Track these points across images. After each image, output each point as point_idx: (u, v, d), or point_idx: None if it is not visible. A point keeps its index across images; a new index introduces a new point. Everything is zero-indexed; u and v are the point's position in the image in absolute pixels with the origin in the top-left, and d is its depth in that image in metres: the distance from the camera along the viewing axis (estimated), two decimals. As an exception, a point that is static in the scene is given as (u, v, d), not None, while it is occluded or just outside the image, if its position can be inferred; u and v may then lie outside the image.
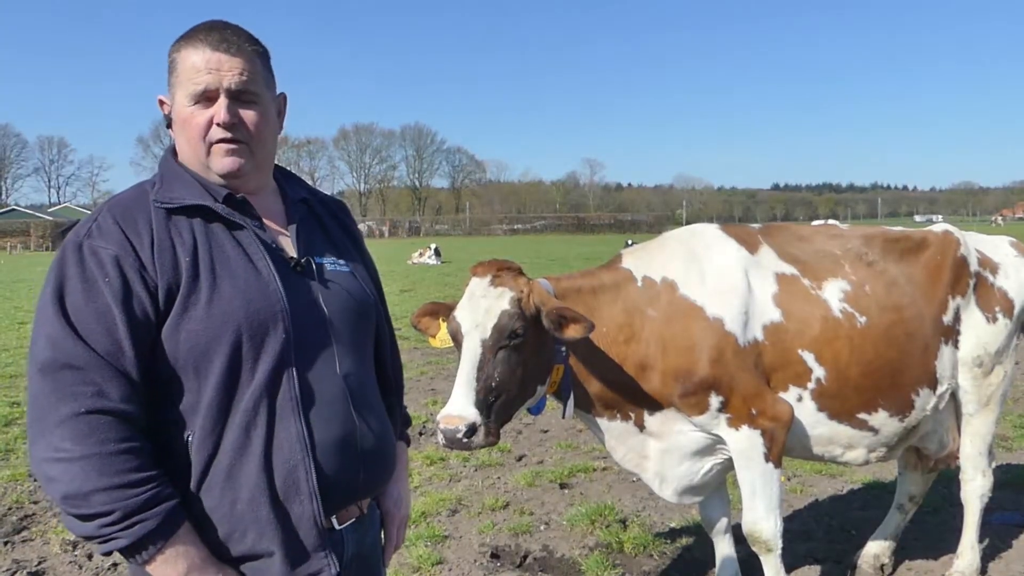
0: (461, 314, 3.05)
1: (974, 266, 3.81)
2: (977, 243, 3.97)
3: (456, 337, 3.05)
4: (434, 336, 3.23)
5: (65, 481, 1.52)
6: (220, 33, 1.75)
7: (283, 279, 1.74)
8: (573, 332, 2.99)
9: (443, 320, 3.17)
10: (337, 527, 1.81)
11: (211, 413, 1.65)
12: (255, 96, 1.78)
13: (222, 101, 1.73)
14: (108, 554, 1.60)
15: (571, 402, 3.26)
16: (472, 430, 2.81)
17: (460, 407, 2.83)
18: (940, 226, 3.99)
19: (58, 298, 1.60)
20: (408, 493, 2.18)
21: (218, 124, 1.73)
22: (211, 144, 1.76)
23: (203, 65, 1.72)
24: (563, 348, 3.22)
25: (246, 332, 1.66)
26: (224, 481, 1.65)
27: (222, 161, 1.77)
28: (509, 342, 2.97)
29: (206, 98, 1.73)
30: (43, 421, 1.55)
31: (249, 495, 1.66)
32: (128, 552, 1.57)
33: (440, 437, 2.83)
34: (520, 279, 3.13)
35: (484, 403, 2.91)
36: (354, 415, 1.80)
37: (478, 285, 3.10)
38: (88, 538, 1.60)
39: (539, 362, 3.13)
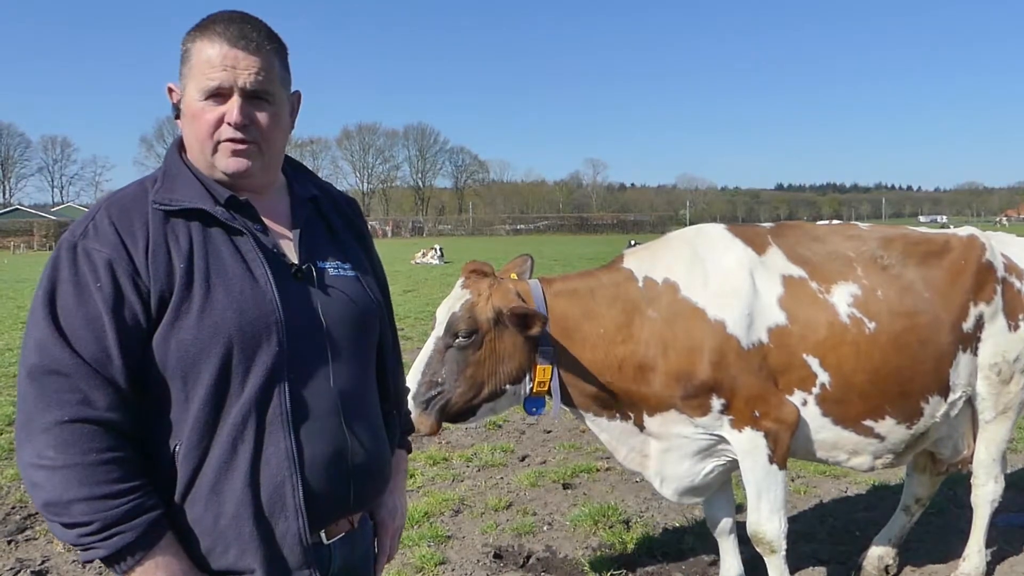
0: (438, 310, 3.33)
1: (1000, 272, 3.68)
2: (1005, 247, 3.84)
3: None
4: None
5: (47, 489, 1.51)
6: (239, 28, 1.68)
7: (280, 288, 1.68)
8: (532, 329, 3.16)
9: None
10: (326, 541, 1.77)
11: (198, 425, 1.61)
12: (269, 96, 1.72)
13: (235, 100, 1.67)
14: (90, 561, 1.58)
15: (558, 401, 3.32)
16: None
17: None
18: (965, 230, 3.87)
19: (49, 301, 1.57)
20: (405, 504, 2.13)
21: (229, 124, 1.68)
22: (218, 142, 1.70)
23: (219, 61, 1.66)
24: (550, 348, 3.27)
25: (237, 344, 1.61)
26: (209, 495, 1.61)
27: (228, 161, 1.71)
28: (454, 342, 3.21)
29: (219, 95, 1.67)
30: (29, 426, 1.53)
31: (233, 510, 1.62)
32: (108, 562, 1.55)
33: None
34: (483, 282, 3.30)
35: (424, 396, 3.19)
36: (346, 430, 1.74)
37: (456, 285, 3.38)
38: (71, 545, 1.58)
39: (501, 364, 3.26)
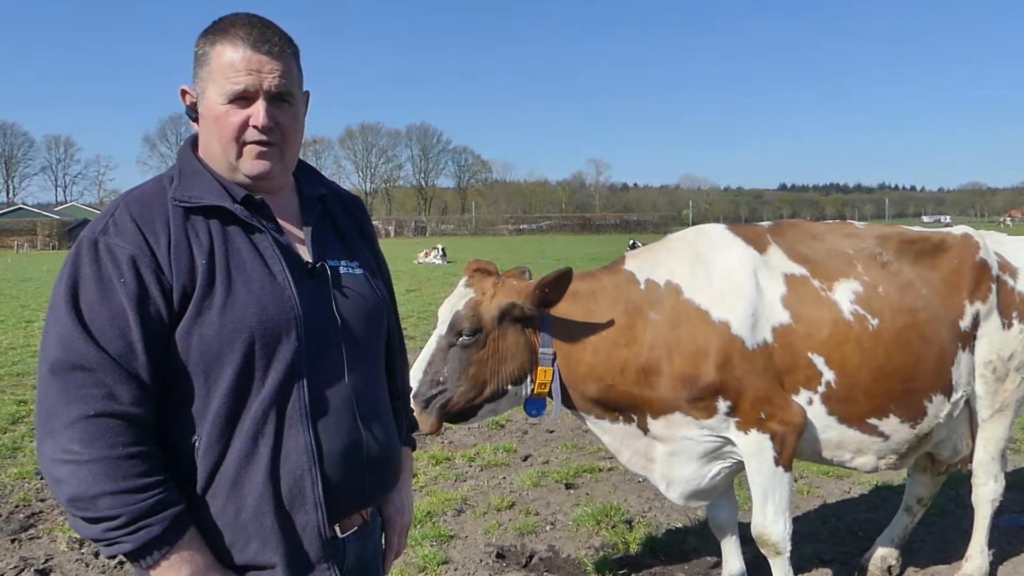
0: (440, 309, 3.32)
1: (995, 270, 3.70)
2: (998, 246, 3.87)
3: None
4: None
5: (73, 484, 1.51)
6: (260, 31, 1.71)
7: (298, 285, 1.71)
8: (562, 289, 3.17)
9: None
10: (340, 535, 1.79)
11: (219, 420, 1.62)
12: (291, 98, 1.75)
13: (261, 104, 1.70)
14: (113, 556, 1.58)
15: (559, 403, 3.31)
16: None
17: None
18: (959, 228, 3.89)
19: (72, 297, 1.58)
20: (411, 500, 2.15)
21: (255, 127, 1.70)
22: (244, 145, 1.73)
23: (243, 65, 1.68)
24: (551, 350, 3.26)
25: (259, 339, 1.63)
26: (230, 489, 1.63)
27: (253, 163, 1.74)
28: (458, 341, 3.19)
29: (243, 98, 1.70)
30: (52, 421, 1.53)
31: (254, 504, 1.63)
32: (133, 556, 1.56)
33: None
34: (486, 281, 3.28)
35: (425, 395, 3.17)
36: (360, 424, 1.77)
37: (459, 284, 3.36)
38: (94, 541, 1.58)
39: (504, 364, 3.24)
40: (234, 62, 1.68)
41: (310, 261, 1.79)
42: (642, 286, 3.37)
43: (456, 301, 3.27)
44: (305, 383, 1.68)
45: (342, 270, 1.86)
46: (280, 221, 1.81)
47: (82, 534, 1.58)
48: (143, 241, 1.61)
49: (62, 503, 1.55)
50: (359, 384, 1.80)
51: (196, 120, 1.79)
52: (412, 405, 2.86)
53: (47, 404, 1.55)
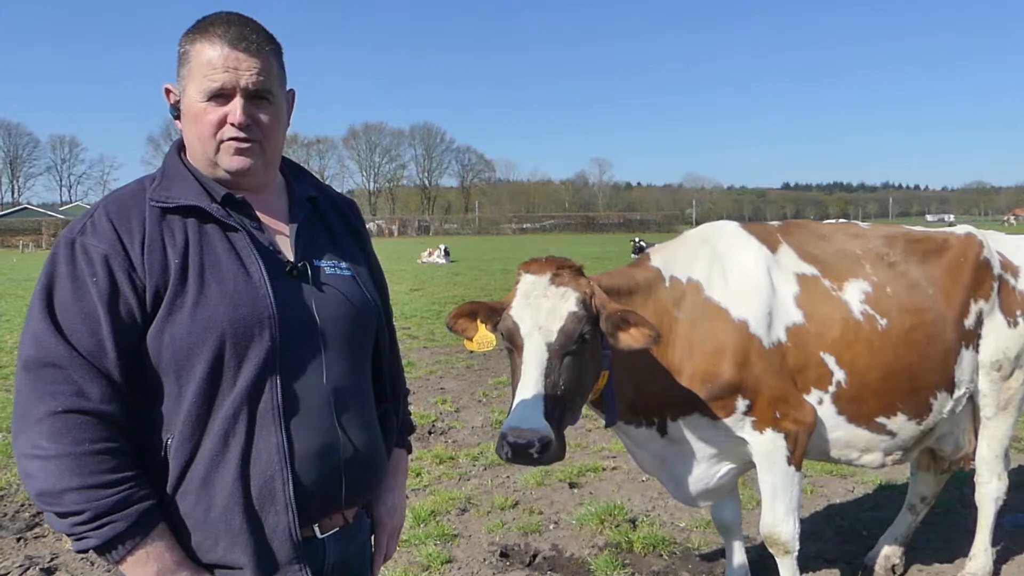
0: (519, 314, 2.81)
1: (997, 269, 3.73)
2: (999, 245, 3.89)
3: (513, 339, 2.80)
4: (471, 339, 2.99)
5: (41, 478, 1.53)
6: (238, 29, 1.71)
7: (274, 284, 1.70)
8: (631, 340, 2.78)
9: (482, 322, 2.96)
10: (319, 535, 1.78)
11: (190, 419, 1.63)
12: (270, 96, 1.75)
13: (238, 101, 1.70)
14: (84, 551, 1.59)
15: (614, 407, 3.14)
16: (546, 446, 2.53)
17: (533, 420, 2.57)
18: (962, 228, 3.92)
19: (46, 295, 1.60)
20: (403, 503, 2.14)
21: (233, 124, 1.70)
22: (221, 142, 1.73)
23: (220, 62, 1.68)
24: (609, 352, 3.00)
25: (230, 339, 1.63)
26: (199, 488, 1.63)
27: (232, 159, 1.74)
28: (576, 347, 2.75)
29: (221, 95, 1.70)
30: (24, 418, 1.56)
31: (224, 503, 1.63)
32: (100, 551, 1.57)
33: (506, 450, 2.54)
34: (582, 279, 2.90)
35: (552, 414, 2.64)
36: (337, 425, 1.76)
37: (535, 284, 2.86)
38: (65, 534, 1.60)
39: (596, 369, 2.95)
40: (212, 60, 1.69)
41: (291, 260, 1.78)
42: (667, 283, 3.33)
43: (555, 303, 2.78)
44: (279, 382, 1.67)
45: (328, 270, 1.85)
46: (266, 220, 1.81)
47: (53, 528, 1.62)
48: (117, 241, 1.63)
49: (32, 497, 1.58)
50: (339, 385, 1.78)
51: (179, 118, 1.79)
52: (547, 431, 2.53)
53: (20, 400, 1.58)
